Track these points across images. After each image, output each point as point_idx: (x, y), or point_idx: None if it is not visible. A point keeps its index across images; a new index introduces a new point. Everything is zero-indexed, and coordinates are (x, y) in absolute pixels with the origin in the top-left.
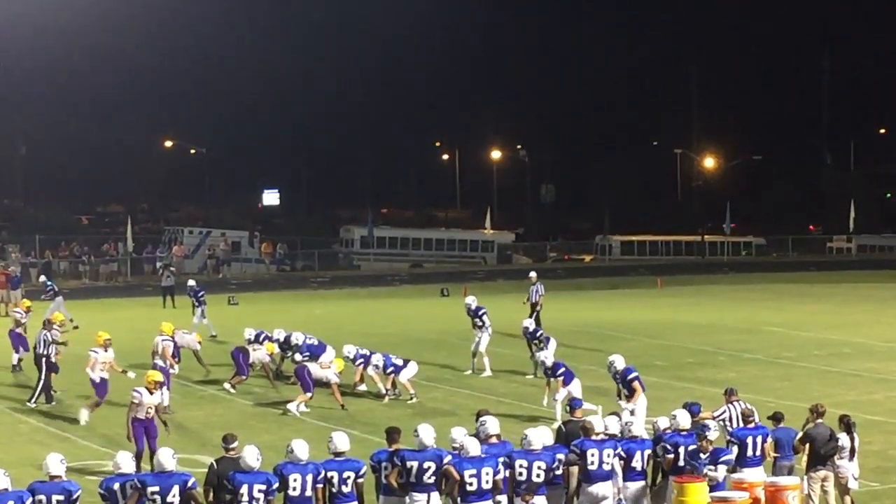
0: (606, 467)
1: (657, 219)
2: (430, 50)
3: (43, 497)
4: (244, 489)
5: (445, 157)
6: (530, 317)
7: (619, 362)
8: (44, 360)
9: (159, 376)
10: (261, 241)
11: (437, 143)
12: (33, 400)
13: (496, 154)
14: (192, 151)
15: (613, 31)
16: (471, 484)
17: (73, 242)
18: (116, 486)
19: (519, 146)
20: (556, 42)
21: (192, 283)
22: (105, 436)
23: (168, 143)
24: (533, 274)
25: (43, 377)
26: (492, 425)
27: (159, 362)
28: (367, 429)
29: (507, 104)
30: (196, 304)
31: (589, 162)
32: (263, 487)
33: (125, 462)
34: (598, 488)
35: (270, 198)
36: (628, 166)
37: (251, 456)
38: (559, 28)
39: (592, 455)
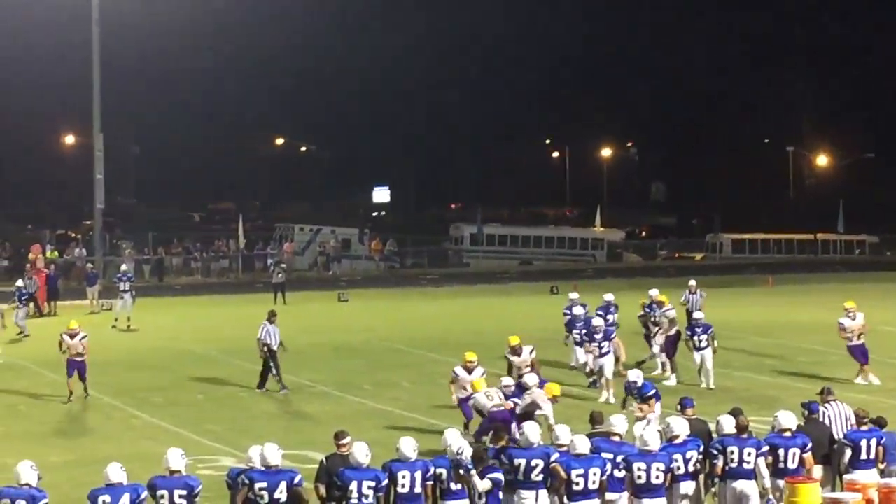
0: (747, 465)
1: (768, 217)
2: (541, 47)
3: (165, 492)
4: (353, 486)
5: (556, 154)
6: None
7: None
8: (265, 348)
9: (475, 356)
10: (371, 238)
11: (548, 141)
12: (282, 389)
13: (606, 152)
14: (303, 149)
15: (725, 28)
16: (577, 483)
17: (185, 239)
18: (240, 476)
19: (629, 144)
20: (667, 40)
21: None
22: (214, 431)
23: (279, 141)
24: (693, 282)
25: (272, 365)
26: (618, 423)
27: None
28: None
29: (617, 102)
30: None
31: (699, 160)
32: (373, 484)
33: (256, 456)
34: (741, 485)
35: (381, 195)
36: (739, 164)
37: (361, 452)
38: (669, 27)
39: (732, 452)
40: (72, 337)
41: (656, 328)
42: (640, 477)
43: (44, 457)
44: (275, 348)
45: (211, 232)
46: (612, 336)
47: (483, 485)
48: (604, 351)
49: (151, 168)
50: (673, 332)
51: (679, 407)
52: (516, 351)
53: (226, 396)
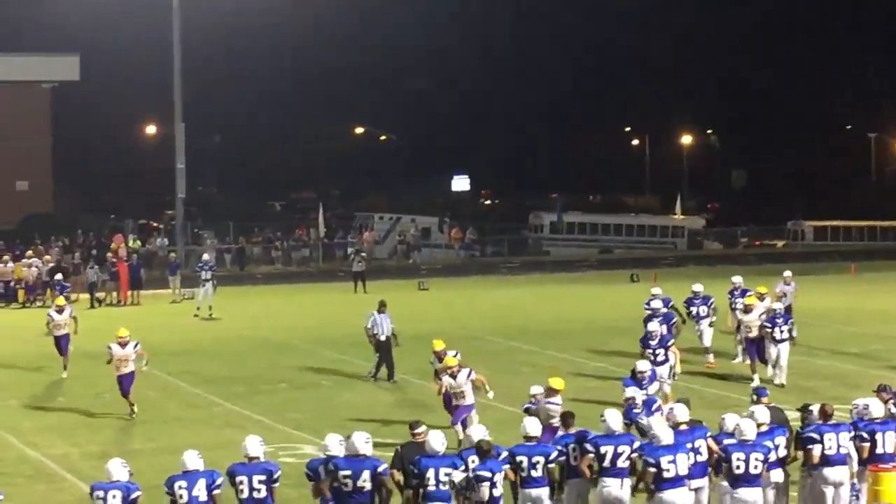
0: (843, 451)
1: (850, 204)
2: (621, 35)
3: (244, 478)
4: (430, 473)
5: (635, 142)
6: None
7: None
8: (374, 338)
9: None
10: (450, 226)
11: (627, 129)
12: (392, 377)
13: (686, 139)
14: (383, 138)
15: (805, 14)
16: (668, 471)
17: (265, 228)
18: (321, 467)
19: (709, 131)
20: (746, 28)
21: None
22: (295, 420)
23: (359, 130)
24: (788, 273)
25: (379, 355)
26: (681, 412)
27: None
28: None
29: (697, 89)
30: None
31: (780, 147)
32: (449, 470)
33: (333, 444)
34: (835, 472)
35: (460, 183)
36: (820, 150)
37: (436, 441)
38: (749, 13)
39: (829, 439)
40: (122, 346)
41: (738, 320)
42: (738, 467)
43: (126, 444)
44: (382, 338)
45: (291, 221)
46: (669, 343)
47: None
48: (659, 359)
49: (233, 158)
50: (755, 333)
51: (754, 397)
52: (440, 356)
53: (307, 385)
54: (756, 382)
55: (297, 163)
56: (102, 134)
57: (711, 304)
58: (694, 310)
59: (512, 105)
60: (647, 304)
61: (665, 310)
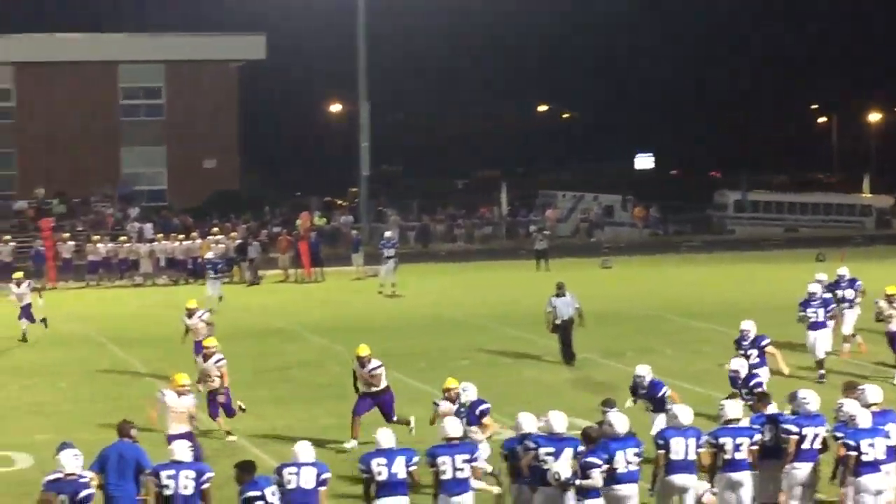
0: None
1: None
2: (806, 13)
3: (447, 458)
4: (619, 455)
5: (822, 120)
6: None
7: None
8: (551, 323)
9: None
10: (633, 204)
11: (814, 107)
12: (569, 360)
13: (874, 116)
14: (566, 116)
15: None
16: (866, 454)
17: (449, 206)
18: (518, 446)
19: None
20: None
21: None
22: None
23: (542, 108)
24: None
25: (560, 339)
26: (872, 394)
27: None
28: None
29: (885, 65)
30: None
31: None
32: (636, 450)
33: (528, 422)
34: None
35: (643, 162)
36: None
37: (619, 423)
38: None
39: None
40: (205, 358)
41: None
42: (866, 454)
43: (314, 420)
44: (557, 322)
45: (474, 199)
46: (763, 343)
47: None
48: (752, 361)
49: (416, 136)
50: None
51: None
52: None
53: (490, 362)
54: None
55: (480, 141)
56: (288, 112)
57: (859, 287)
58: (840, 293)
59: (698, 84)
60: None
61: (825, 294)
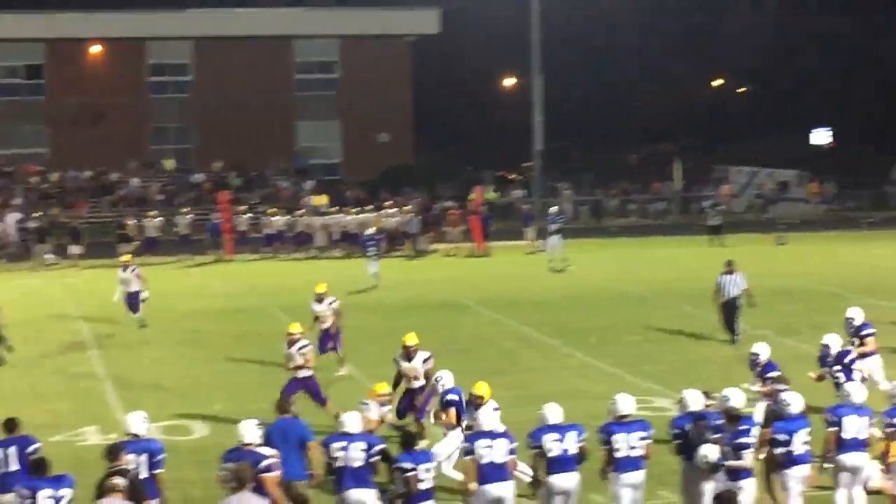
0: None
1: None
2: None
3: (621, 436)
4: (796, 437)
5: None
6: None
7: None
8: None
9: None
10: (809, 179)
11: None
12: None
13: None
14: (741, 90)
15: None
16: None
17: (622, 181)
18: (689, 425)
19: None
20: None
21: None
22: (650, 373)
23: (717, 83)
24: None
25: (725, 317)
26: None
27: None
28: None
29: None
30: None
31: None
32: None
33: (694, 400)
34: None
35: (820, 136)
36: None
37: (795, 402)
38: None
39: None
40: (290, 344)
41: None
42: None
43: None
44: (722, 299)
45: (648, 173)
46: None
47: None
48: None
49: (589, 110)
50: None
51: None
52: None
53: (662, 338)
54: None
55: (654, 115)
56: (461, 86)
57: None
58: None
59: (878, 60)
60: None
61: None
